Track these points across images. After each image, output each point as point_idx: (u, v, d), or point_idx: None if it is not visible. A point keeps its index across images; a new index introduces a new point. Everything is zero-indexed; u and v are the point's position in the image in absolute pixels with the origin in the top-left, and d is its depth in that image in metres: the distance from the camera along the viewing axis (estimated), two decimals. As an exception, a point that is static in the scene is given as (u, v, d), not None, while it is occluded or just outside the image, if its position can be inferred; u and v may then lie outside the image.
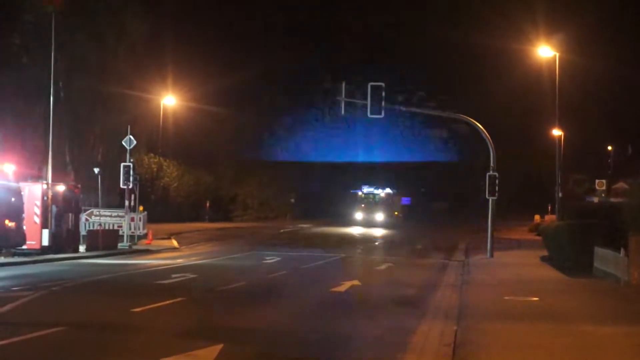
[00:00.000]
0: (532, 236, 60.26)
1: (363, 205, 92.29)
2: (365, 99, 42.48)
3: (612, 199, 51.33)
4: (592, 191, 63.78)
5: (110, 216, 50.48)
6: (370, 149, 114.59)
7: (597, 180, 64.57)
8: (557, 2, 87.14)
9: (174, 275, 29.95)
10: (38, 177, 44.21)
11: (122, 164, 47.32)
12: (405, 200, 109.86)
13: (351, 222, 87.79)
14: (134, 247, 46.89)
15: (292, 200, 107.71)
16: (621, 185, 62.71)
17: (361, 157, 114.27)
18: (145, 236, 50.60)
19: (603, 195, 61.56)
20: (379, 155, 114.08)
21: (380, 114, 42.79)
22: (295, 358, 15.20)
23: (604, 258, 29.81)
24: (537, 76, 61.53)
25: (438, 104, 72.11)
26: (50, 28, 41.51)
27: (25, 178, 43.14)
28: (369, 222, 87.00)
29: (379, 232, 74.12)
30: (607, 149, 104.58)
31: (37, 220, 38.99)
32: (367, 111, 42.56)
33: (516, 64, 74.39)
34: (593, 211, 36.82)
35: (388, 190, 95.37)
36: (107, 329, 17.76)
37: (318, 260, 40.45)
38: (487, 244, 42.59)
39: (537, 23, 64.10)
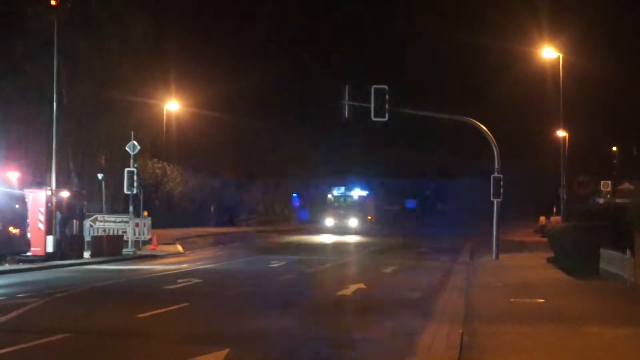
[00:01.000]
0: (538, 238, 60.17)
1: (334, 210, 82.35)
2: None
3: (618, 200, 51.17)
4: (598, 192, 63.57)
5: (115, 222, 50.43)
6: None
7: (602, 182, 64.41)
8: (560, 3, 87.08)
9: (179, 281, 29.93)
10: (42, 184, 44.24)
11: (126, 170, 47.33)
12: (411, 204, 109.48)
13: (320, 230, 79.72)
14: (139, 253, 46.86)
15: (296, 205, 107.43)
16: (627, 186, 62.56)
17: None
18: (149, 241, 50.57)
19: (608, 196, 61.43)
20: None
21: (384, 117, 42.74)
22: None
23: (610, 259, 29.70)
24: (541, 77, 61.53)
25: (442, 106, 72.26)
26: (53, 35, 41.59)
27: (29, 185, 43.21)
28: (340, 229, 78.07)
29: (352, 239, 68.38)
30: (612, 150, 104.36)
31: (42, 226, 39.03)
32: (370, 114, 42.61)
33: (520, 66, 74.36)
34: (598, 212, 36.68)
35: (359, 190, 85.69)
36: (113, 335, 17.73)
37: (326, 264, 40.51)
38: (492, 246, 42.55)
39: (541, 24, 64.06)
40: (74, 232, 41.34)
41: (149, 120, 66.22)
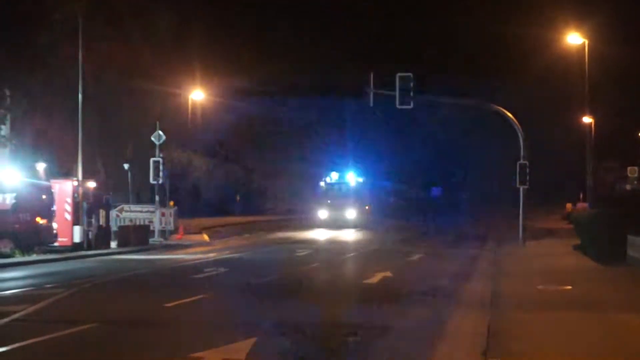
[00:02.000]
0: (564, 225, 59.93)
1: (328, 200, 71.00)
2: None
3: (644, 186, 50.94)
4: (624, 178, 63.21)
5: (141, 212, 50.64)
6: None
7: (629, 167, 64.08)
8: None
9: (206, 270, 30.01)
10: (68, 174, 44.45)
11: (151, 160, 47.52)
12: (436, 191, 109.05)
13: (313, 224, 69.35)
14: (165, 242, 47.05)
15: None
16: (653, 172, 62.21)
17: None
18: (176, 231, 50.74)
19: (635, 182, 61.11)
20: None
21: (409, 104, 42.68)
22: (330, 349, 15.12)
23: (637, 246, 29.55)
24: (567, 64, 61.09)
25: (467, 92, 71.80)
26: (77, 26, 41.72)
27: (55, 175, 43.43)
28: (336, 222, 67.90)
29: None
30: (639, 136, 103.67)
31: (69, 217, 39.21)
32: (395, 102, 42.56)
33: (545, 52, 73.87)
34: (625, 198, 36.52)
35: (355, 175, 74.40)
36: (140, 324, 17.80)
37: (350, 252, 40.56)
38: (518, 233, 42.46)
39: (565, 10, 63.63)
40: (101, 223, 41.52)
41: (173, 110, 66.32)
